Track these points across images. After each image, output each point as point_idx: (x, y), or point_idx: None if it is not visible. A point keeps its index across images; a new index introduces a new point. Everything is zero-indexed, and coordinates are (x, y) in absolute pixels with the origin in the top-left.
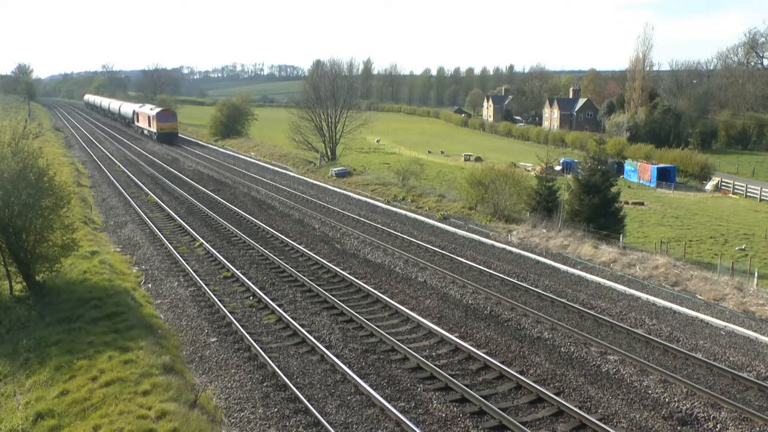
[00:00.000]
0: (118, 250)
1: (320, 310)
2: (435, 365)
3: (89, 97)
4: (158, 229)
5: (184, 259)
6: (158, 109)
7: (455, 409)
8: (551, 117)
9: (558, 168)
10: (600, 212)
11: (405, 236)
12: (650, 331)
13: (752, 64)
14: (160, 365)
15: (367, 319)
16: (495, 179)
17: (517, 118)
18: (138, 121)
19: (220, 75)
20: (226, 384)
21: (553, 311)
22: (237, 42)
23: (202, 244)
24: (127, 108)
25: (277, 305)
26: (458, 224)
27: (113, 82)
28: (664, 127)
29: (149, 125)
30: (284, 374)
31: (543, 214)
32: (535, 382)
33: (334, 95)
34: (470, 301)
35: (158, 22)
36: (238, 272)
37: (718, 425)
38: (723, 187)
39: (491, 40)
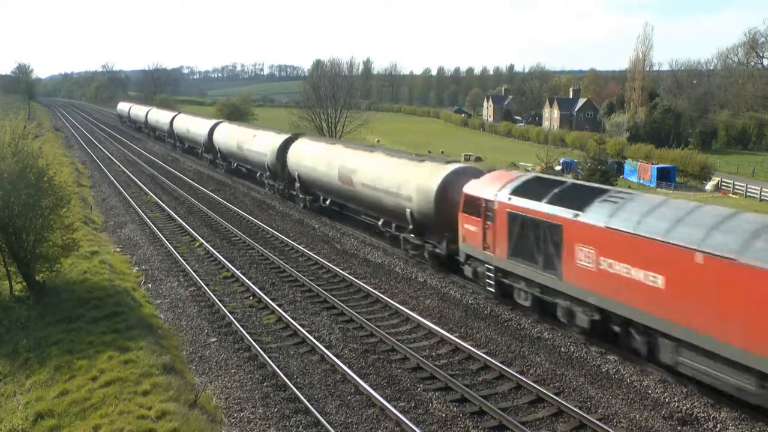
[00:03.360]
0: (118, 250)
1: (320, 310)
2: (435, 365)
3: (135, 112)
4: (158, 229)
5: (184, 259)
6: None
7: (455, 409)
8: (551, 117)
9: (558, 168)
10: None
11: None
12: None
13: (752, 64)
14: (160, 365)
15: (366, 319)
16: None
17: (517, 118)
18: None
19: (220, 75)
20: (226, 384)
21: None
22: (237, 42)
23: (202, 244)
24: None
25: (277, 305)
26: None
27: (113, 82)
28: (664, 127)
29: None
30: (284, 374)
31: None
32: (535, 382)
33: (334, 95)
34: (470, 301)
35: (158, 22)
36: (238, 272)
37: (718, 425)
38: (723, 187)
39: (491, 40)
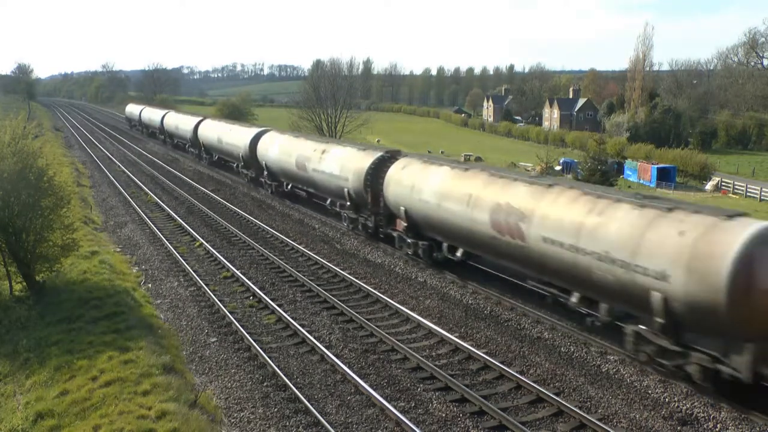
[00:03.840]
0: (118, 250)
1: (320, 310)
2: (435, 365)
3: (149, 116)
4: (158, 229)
5: (184, 259)
6: None
7: (455, 409)
8: (551, 117)
9: (558, 168)
10: None
11: None
12: None
13: (752, 64)
14: (160, 365)
15: (367, 319)
16: None
17: (517, 118)
18: None
19: (220, 75)
20: (226, 384)
21: (553, 311)
22: (237, 42)
23: (202, 244)
24: None
25: (277, 305)
26: None
27: (113, 82)
28: (664, 127)
29: None
30: (284, 374)
31: None
32: (535, 382)
33: (334, 95)
34: (470, 301)
35: (158, 22)
36: (238, 272)
37: (718, 425)
38: (723, 187)
39: (492, 40)
